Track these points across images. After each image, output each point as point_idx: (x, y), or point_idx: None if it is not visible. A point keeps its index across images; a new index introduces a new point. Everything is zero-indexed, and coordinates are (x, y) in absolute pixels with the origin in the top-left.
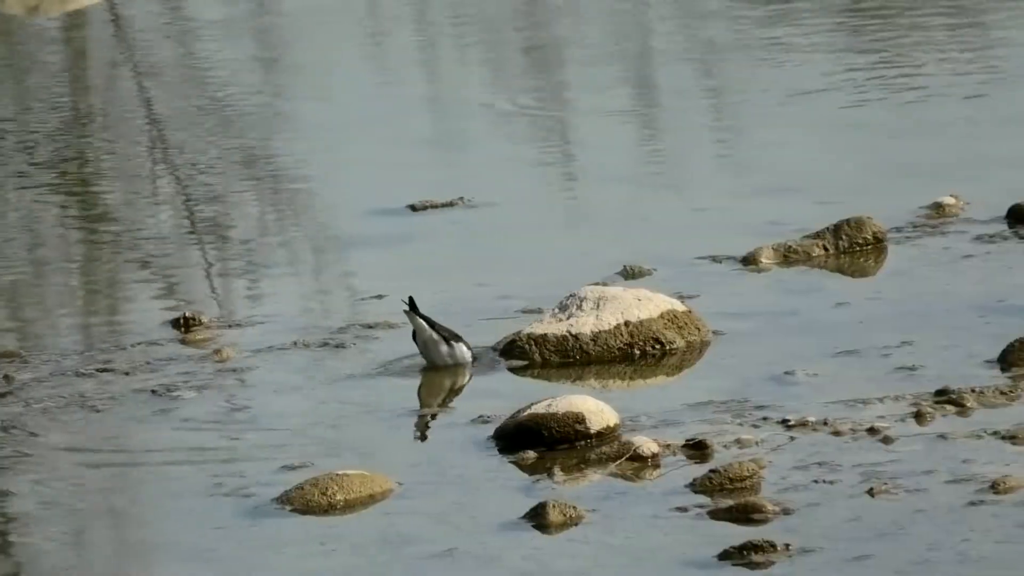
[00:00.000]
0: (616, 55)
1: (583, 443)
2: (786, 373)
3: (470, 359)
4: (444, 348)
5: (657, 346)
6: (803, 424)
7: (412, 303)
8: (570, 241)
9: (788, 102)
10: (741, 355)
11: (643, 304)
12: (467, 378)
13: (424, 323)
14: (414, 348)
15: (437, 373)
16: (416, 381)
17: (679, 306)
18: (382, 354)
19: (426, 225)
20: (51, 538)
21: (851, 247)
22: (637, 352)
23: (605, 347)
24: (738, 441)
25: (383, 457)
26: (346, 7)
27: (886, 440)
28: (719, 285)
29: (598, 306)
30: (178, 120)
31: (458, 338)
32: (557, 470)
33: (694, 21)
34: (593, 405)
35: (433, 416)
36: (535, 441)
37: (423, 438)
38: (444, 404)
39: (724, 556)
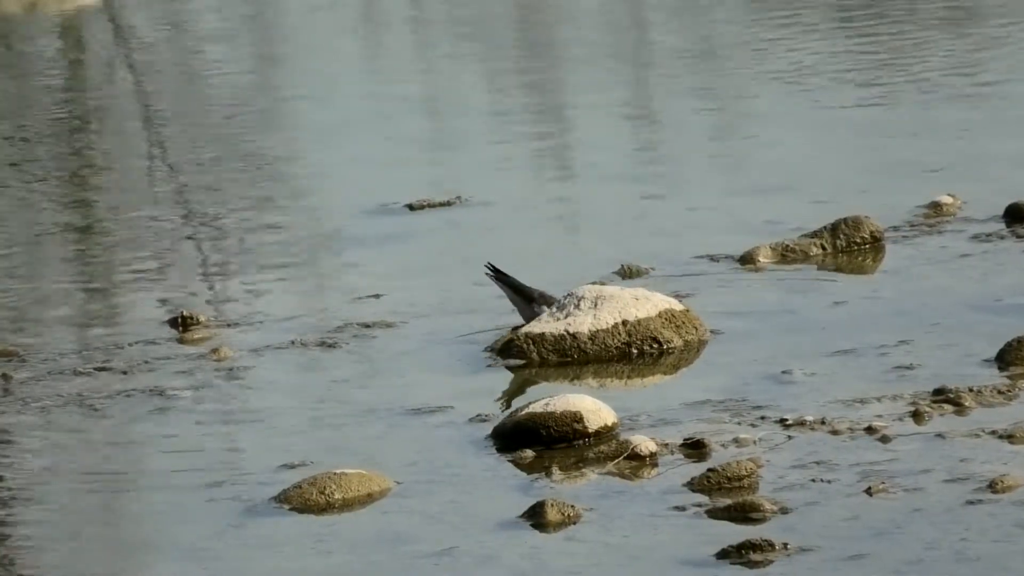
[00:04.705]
0: (613, 54)
1: (581, 442)
2: (784, 372)
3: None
4: (528, 309)
5: (655, 345)
6: (801, 423)
7: (495, 269)
8: (567, 240)
9: (785, 101)
10: (739, 354)
11: (641, 303)
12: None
13: (508, 288)
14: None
15: (433, 372)
16: (414, 380)
17: (677, 305)
18: (380, 353)
19: (424, 224)
20: (48, 537)
21: (849, 246)
22: (635, 351)
23: (603, 346)
24: (736, 440)
25: (381, 456)
26: (343, 5)
27: (884, 439)
28: (717, 284)
29: (596, 305)
30: (175, 118)
31: (542, 299)
32: (555, 469)
33: (691, 19)
34: (591, 404)
35: (431, 415)
36: (533, 440)
37: (421, 437)
38: (442, 403)
39: (722, 555)
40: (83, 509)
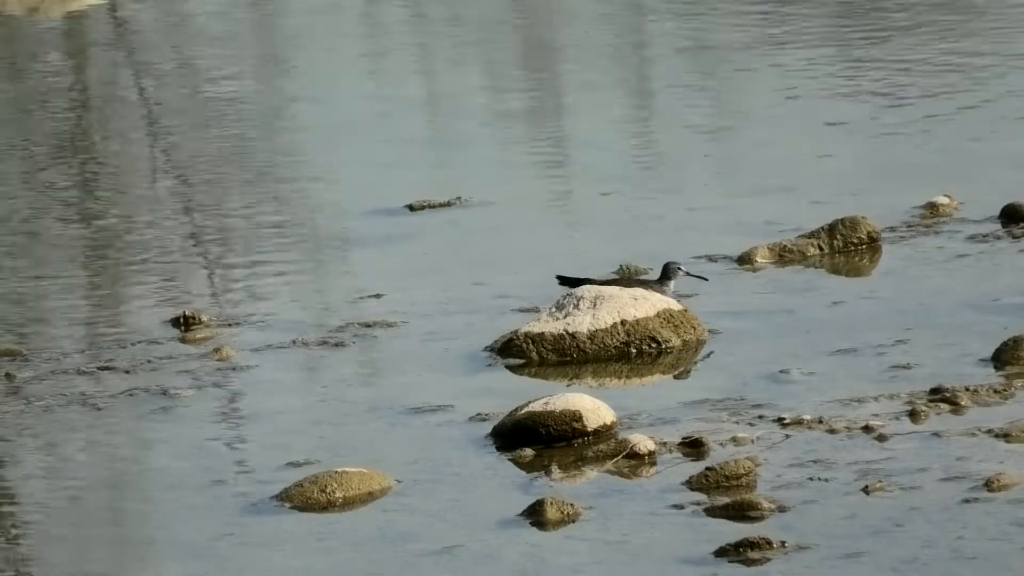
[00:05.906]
0: (613, 54)
1: (580, 441)
2: (781, 372)
3: (672, 286)
4: (666, 290)
5: (653, 345)
6: (798, 422)
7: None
8: (567, 241)
9: (783, 102)
10: (737, 354)
11: (639, 303)
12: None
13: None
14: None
15: (434, 371)
16: (414, 379)
17: (675, 305)
18: (380, 352)
19: (424, 225)
20: (51, 535)
21: (846, 247)
22: (633, 351)
23: (602, 346)
24: (734, 439)
25: (382, 455)
26: (344, 8)
27: (881, 438)
28: (715, 284)
29: (595, 305)
30: (178, 120)
31: (663, 279)
32: (555, 467)
33: (690, 22)
34: (590, 403)
35: (431, 414)
36: (533, 439)
37: (421, 436)
38: (442, 402)
39: (720, 553)
40: (86, 507)
